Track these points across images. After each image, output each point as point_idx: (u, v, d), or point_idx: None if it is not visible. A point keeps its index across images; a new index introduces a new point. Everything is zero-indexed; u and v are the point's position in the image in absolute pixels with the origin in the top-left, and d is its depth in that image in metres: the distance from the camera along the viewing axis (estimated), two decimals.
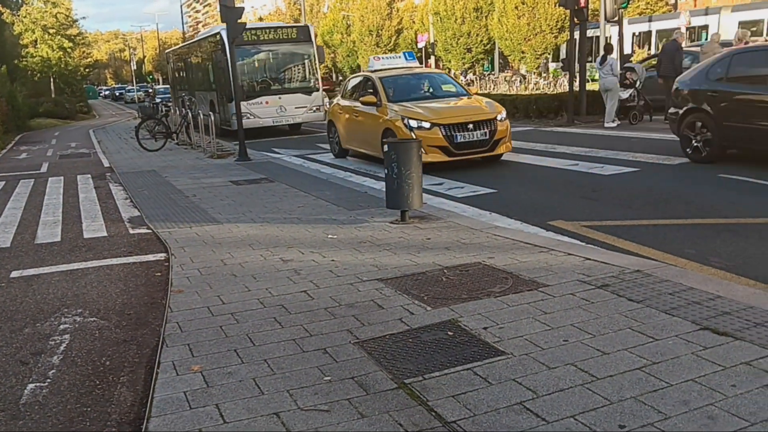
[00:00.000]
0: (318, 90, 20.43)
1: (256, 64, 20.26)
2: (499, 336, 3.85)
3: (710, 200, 7.59)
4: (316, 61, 20.48)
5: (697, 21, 30.72)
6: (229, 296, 4.94)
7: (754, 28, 25.92)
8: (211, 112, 17.85)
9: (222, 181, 11.19)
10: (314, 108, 20.12)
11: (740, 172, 8.80)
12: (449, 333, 3.97)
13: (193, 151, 17.05)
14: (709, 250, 5.63)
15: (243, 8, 15.12)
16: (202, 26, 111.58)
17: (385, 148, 6.86)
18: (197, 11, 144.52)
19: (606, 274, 4.76)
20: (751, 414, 2.83)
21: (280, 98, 19.65)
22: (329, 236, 6.61)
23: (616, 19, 21.51)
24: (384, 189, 7.25)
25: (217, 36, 19.51)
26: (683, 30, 24.18)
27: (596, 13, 27.56)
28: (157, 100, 32.47)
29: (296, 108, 19.80)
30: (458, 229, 6.53)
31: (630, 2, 24.05)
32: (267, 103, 19.47)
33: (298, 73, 20.66)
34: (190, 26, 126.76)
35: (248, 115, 18.44)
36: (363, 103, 12.05)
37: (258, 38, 19.80)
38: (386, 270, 5.32)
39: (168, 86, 39.07)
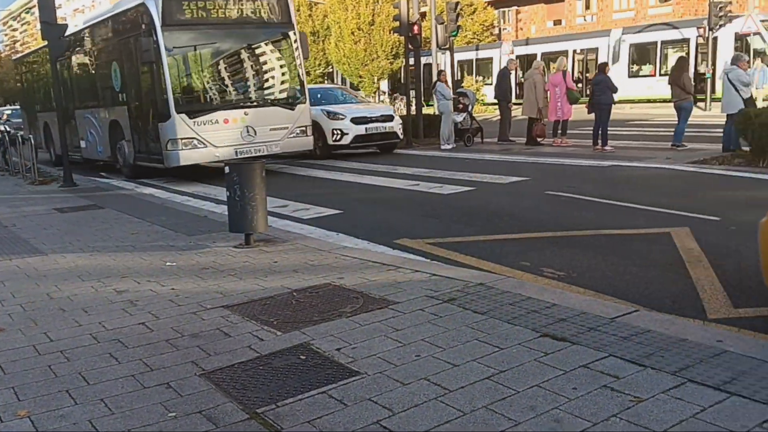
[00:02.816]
0: (305, 102, 13.41)
1: (206, 58, 12.68)
2: (352, 356, 3.80)
3: (539, 215, 8.09)
4: (300, 55, 13.33)
5: (520, 50, 33.06)
6: (58, 332, 4.50)
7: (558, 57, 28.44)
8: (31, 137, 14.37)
9: (45, 209, 10.32)
10: (299, 130, 13.17)
11: (561, 189, 9.48)
12: (302, 357, 3.86)
13: (12, 177, 15.62)
14: (542, 262, 5.97)
15: (66, 25, 14.10)
16: (20, 45, 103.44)
17: (227, 169, 6.65)
18: (14, 29, 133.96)
19: (452, 289, 4.88)
20: (593, 414, 2.98)
21: (246, 113, 12.39)
22: (168, 264, 6.26)
23: (447, 46, 22.57)
24: (226, 212, 7.01)
25: (141, 9, 12.20)
26: (513, 57, 25.88)
27: (429, 41, 28.79)
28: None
29: (272, 129, 12.64)
30: (306, 251, 6.44)
31: (459, 32, 25.36)
32: (226, 121, 12.21)
33: (274, 73, 13.43)
34: (6, 45, 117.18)
35: (194, 141, 12.00)
36: None
37: (207, 15, 12.32)
38: (232, 296, 5.11)
39: (18, 107, 30.30)
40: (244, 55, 12.98)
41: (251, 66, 13.18)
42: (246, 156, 12.18)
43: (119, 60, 13.74)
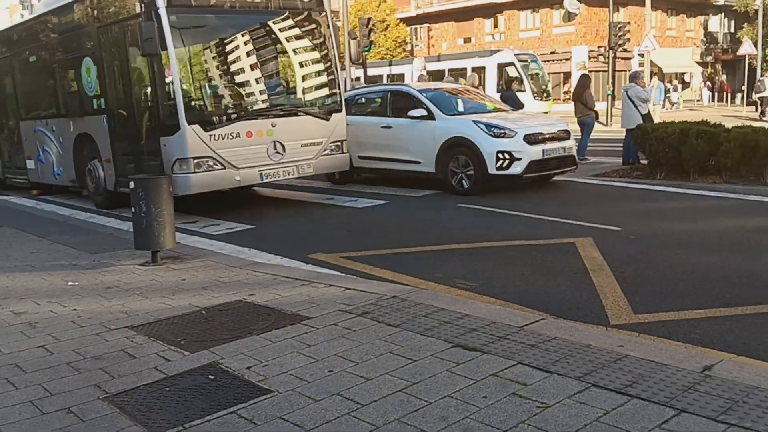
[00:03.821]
0: (341, 110, 10.46)
1: (223, 53, 9.56)
2: (263, 374, 3.72)
3: (452, 227, 8.23)
4: (335, 50, 10.55)
5: (432, 66, 33.64)
6: None
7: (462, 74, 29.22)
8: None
9: None
10: (333, 145, 10.26)
11: (475, 202, 9.68)
12: (210, 377, 3.75)
13: None
14: (455, 273, 6.06)
15: None
16: None
17: (131, 184, 6.42)
18: None
19: (366, 302, 4.87)
20: (502, 422, 3.03)
21: (273, 125, 9.52)
22: (69, 283, 5.98)
23: (360, 61, 22.75)
24: (132, 229, 6.77)
25: None
26: (425, 73, 26.32)
27: (342, 56, 28.92)
28: None
29: (304, 145, 9.83)
30: (216, 268, 6.29)
31: (372, 47, 25.61)
32: (249, 135, 9.33)
33: (307, 72, 10.26)
34: None
35: (210, 162, 9.01)
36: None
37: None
38: (137, 316, 4.92)
39: None
40: (271, 48, 9.88)
41: (280, 63, 10.02)
42: (272, 180, 9.68)
43: (95, 55, 10.32)
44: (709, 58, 47.19)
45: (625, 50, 30.83)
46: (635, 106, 12.82)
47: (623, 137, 13.37)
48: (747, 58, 34.02)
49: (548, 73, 32.81)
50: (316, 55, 10.29)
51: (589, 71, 30.40)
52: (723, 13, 47.51)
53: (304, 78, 10.25)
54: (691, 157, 10.65)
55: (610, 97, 26.78)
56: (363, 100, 12.97)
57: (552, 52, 39.32)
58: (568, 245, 6.98)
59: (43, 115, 12.47)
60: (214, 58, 9.48)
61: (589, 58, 35.93)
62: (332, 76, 10.40)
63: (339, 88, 10.55)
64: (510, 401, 3.23)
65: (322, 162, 10.15)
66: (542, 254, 6.79)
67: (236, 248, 7.50)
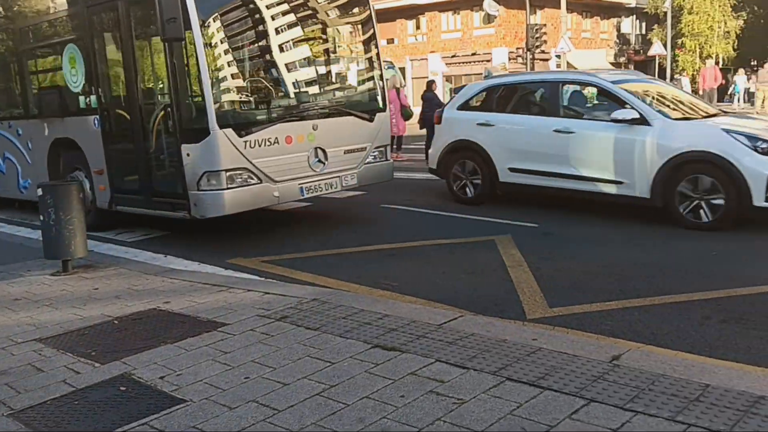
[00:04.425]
0: (384, 109, 8.86)
1: (256, 41, 7.84)
2: (177, 384, 3.62)
3: (375, 228, 8.24)
4: (377, 40, 8.93)
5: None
6: None
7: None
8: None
9: None
10: (377, 151, 8.72)
11: (396, 202, 9.74)
12: (122, 388, 3.63)
13: None
14: (377, 274, 6.07)
15: None
16: None
17: (39, 191, 6.15)
18: None
19: (285, 306, 4.81)
20: (419, 420, 3.04)
21: (314, 128, 7.85)
22: None
23: None
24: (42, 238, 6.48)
25: None
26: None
27: None
28: None
29: (347, 152, 8.28)
30: (130, 276, 6.10)
31: None
32: (288, 141, 7.61)
33: (348, 66, 8.94)
34: None
35: (245, 175, 7.25)
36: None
37: None
38: (46, 328, 4.71)
39: None
40: (312, 35, 8.36)
41: (322, 52, 8.51)
42: (313, 195, 8.04)
43: (84, 41, 8.34)
44: (622, 59, 49.03)
45: (543, 51, 31.74)
46: None
47: None
48: (657, 59, 35.59)
49: (471, 75, 33.36)
50: (359, 44, 8.85)
51: (510, 72, 31.08)
52: (635, 15, 49.44)
53: (347, 71, 8.83)
54: None
55: None
56: (511, 92, 9.80)
57: (473, 54, 40.00)
58: (489, 243, 7.11)
59: (5, 116, 10.33)
60: (248, 45, 7.74)
61: (509, 59, 36.72)
62: (376, 69, 8.81)
63: (384, 86, 8.97)
64: (427, 399, 3.25)
65: (366, 172, 8.49)
66: (463, 253, 6.88)
67: (152, 255, 7.28)
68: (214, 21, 7.17)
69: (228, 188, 7.06)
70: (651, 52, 35.20)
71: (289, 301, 4.92)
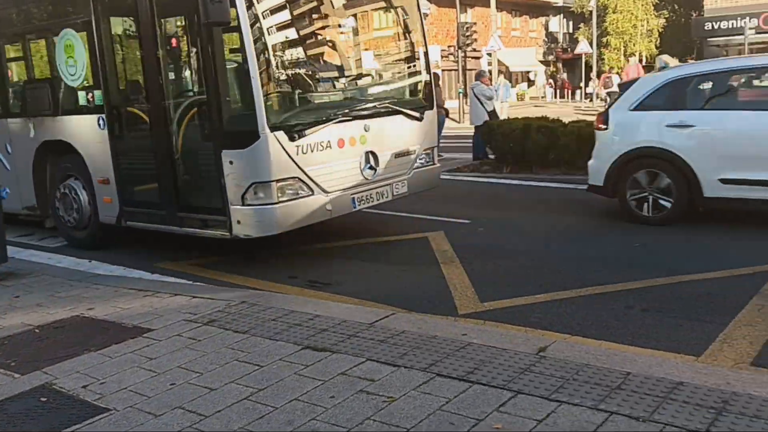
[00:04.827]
0: (432, 106, 7.83)
1: (304, 30, 6.91)
2: (100, 392, 3.51)
3: (306, 227, 8.13)
4: (425, 34, 8.10)
5: None
6: None
7: None
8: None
9: None
10: (425, 154, 7.66)
11: None
12: (42, 399, 3.50)
13: None
14: (310, 274, 6.03)
15: None
16: None
17: None
18: None
19: (213, 310, 4.72)
20: (348, 420, 3.03)
21: (366, 129, 6.77)
22: None
23: None
24: None
25: None
26: None
27: None
28: None
29: (397, 156, 7.19)
30: (52, 283, 5.87)
31: None
32: (341, 144, 6.54)
33: (397, 59, 8.05)
34: None
35: (297, 186, 6.18)
36: None
37: None
38: None
39: None
40: (361, 24, 7.63)
41: (372, 44, 7.76)
42: (364, 207, 6.89)
43: (85, 25, 6.98)
44: (551, 57, 50.26)
45: (474, 50, 32.18)
46: (481, 103, 13.37)
47: (473, 133, 13.91)
48: (584, 57, 36.59)
49: None
50: (407, 33, 7.86)
51: (442, 70, 31.41)
52: (562, 14, 50.74)
53: (395, 63, 7.92)
54: (533, 151, 11.26)
55: (461, 95, 27.81)
56: (716, 83, 7.67)
57: None
58: (421, 240, 7.15)
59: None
60: (296, 33, 6.72)
61: (441, 57, 37.11)
62: (424, 63, 7.88)
63: (431, 81, 8.00)
64: (357, 398, 3.24)
65: (416, 178, 7.41)
66: (395, 250, 6.90)
67: (75, 260, 7.02)
68: (260, 2, 6.05)
69: (279, 202, 5.97)
70: (578, 50, 36.17)
71: (218, 305, 4.83)
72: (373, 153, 6.78)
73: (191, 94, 6.56)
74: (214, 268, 6.39)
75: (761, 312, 4.53)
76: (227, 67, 6.03)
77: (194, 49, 6.29)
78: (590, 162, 8.13)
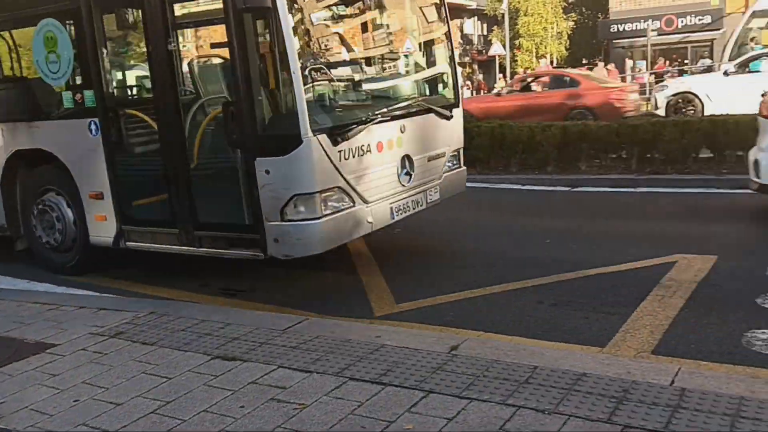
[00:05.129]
0: (458, 104, 7.08)
1: (344, 27, 6.46)
2: (0, 413, 3.34)
3: None
4: (450, 28, 7.33)
5: None
6: None
7: None
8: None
9: None
10: (452, 156, 6.94)
11: None
12: None
13: None
14: (222, 282, 5.91)
15: None
16: None
17: None
18: None
19: (120, 322, 4.56)
20: (259, 429, 2.99)
21: (402, 130, 6.00)
22: None
23: None
24: None
25: None
26: None
27: None
28: None
29: (430, 159, 6.44)
30: None
31: None
32: (380, 148, 5.73)
33: (424, 57, 7.38)
34: None
35: (338, 196, 5.33)
36: None
37: None
38: None
39: None
40: (395, 21, 7.09)
41: (402, 36, 7.20)
42: (401, 218, 6.09)
43: (71, 16, 5.96)
44: (466, 59, 51.16)
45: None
46: None
47: None
48: (498, 59, 37.45)
49: None
50: (434, 28, 7.31)
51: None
52: (476, 17, 51.72)
53: (425, 58, 7.32)
54: None
55: None
56: None
57: None
58: None
59: None
60: (335, 25, 6.22)
61: None
62: (451, 59, 7.31)
63: (458, 78, 7.56)
64: (268, 407, 3.19)
65: (446, 183, 6.73)
66: None
67: None
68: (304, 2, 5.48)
69: (323, 216, 5.16)
70: (491, 52, 36.98)
71: (125, 316, 4.67)
72: (408, 157, 6.10)
73: (212, 92, 5.76)
74: (123, 278, 6.17)
75: (662, 302, 4.74)
76: (261, 61, 5.18)
77: (217, 40, 5.62)
78: (757, 157, 6.66)
